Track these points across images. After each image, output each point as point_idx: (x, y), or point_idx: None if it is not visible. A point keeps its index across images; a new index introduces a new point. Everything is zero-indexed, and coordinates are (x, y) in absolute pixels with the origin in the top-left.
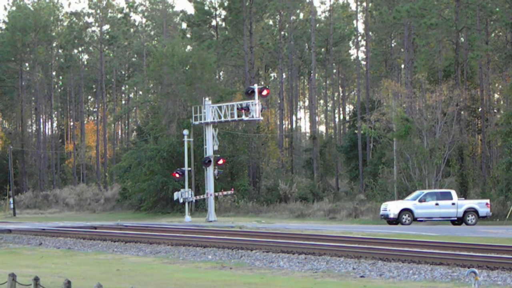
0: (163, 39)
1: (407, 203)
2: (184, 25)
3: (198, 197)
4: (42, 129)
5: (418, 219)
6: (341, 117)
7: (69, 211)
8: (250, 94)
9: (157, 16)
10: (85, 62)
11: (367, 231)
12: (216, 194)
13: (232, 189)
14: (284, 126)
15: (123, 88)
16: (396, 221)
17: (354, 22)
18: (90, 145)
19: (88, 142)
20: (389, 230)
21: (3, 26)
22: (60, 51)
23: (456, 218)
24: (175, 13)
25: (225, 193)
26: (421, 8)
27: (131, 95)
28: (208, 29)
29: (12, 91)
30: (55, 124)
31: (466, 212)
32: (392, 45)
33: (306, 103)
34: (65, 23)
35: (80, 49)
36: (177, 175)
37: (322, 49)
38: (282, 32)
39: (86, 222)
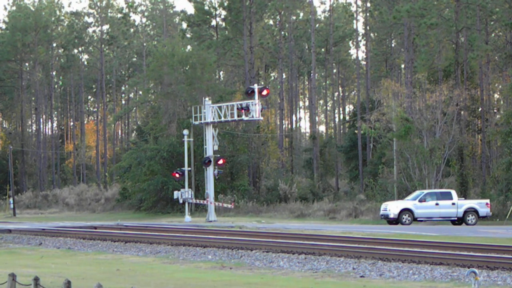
0: (163, 39)
1: (407, 203)
2: (184, 25)
3: (198, 201)
4: (42, 129)
5: (418, 219)
6: (341, 117)
7: (69, 211)
8: (250, 94)
9: (157, 16)
10: (85, 62)
11: (367, 231)
12: (217, 204)
13: (233, 203)
14: (284, 126)
15: (123, 88)
16: (396, 221)
17: (354, 22)
18: (90, 145)
19: (88, 142)
20: (389, 230)
21: (3, 26)
22: (60, 51)
23: (456, 218)
24: (175, 13)
25: (225, 205)
26: (421, 8)
27: (131, 95)
28: (208, 29)
29: (12, 91)
30: (55, 124)
31: (466, 212)
32: (392, 45)
33: (306, 103)
34: (65, 23)
35: (80, 49)
36: (177, 175)
37: (322, 49)
38: (282, 32)
39: (86, 222)
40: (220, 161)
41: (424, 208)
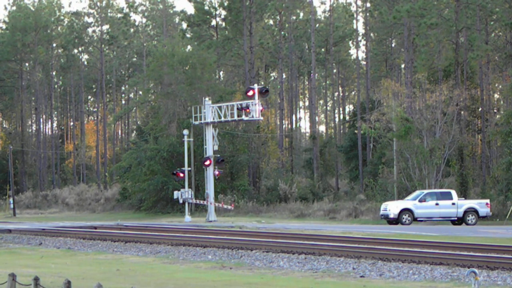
0: (163, 39)
1: (407, 203)
2: (184, 25)
3: (198, 201)
4: (42, 129)
5: (418, 219)
6: (341, 117)
7: (69, 211)
8: (250, 94)
9: (157, 16)
10: (85, 62)
11: (367, 231)
12: (217, 204)
13: (232, 204)
14: (284, 126)
15: (123, 88)
16: (396, 221)
17: (354, 22)
18: (90, 145)
19: (88, 142)
20: (389, 230)
21: (3, 26)
22: (60, 51)
23: (456, 218)
24: (175, 13)
25: (225, 206)
26: (421, 8)
27: (131, 95)
28: (208, 29)
29: (12, 91)
30: (55, 124)
31: (466, 212)
32: (392, 45)
33: (306, 103)
34: (65, 23)
35: (80, 49)
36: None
37: (322, 49)
38: (282, 32)
39: (86, 222)
40: (220, 161)
41: (424, 208)
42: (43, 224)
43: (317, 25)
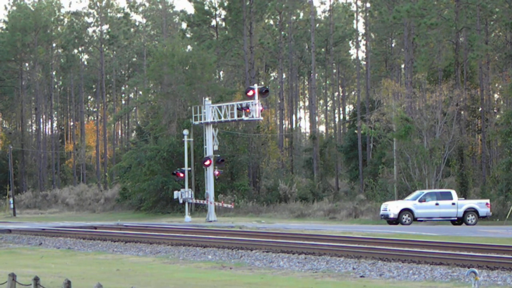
0: (163, 39)
1: (407, 203)
2: (184, 25)
3: (198, 201)
4: (42, 129)
5: (418, 219)
6: (341, 117)
7: (69, 211)
8: (250, 94)
9: (157, 16)
10: (85, 62)
11: (367, 231)
12: (217, 204)
13: (232, 203)
14: (284, 126)
15: (123, 88)
16: (396, 221)
17: (354, 22)
18: (90, 145)
19: (88, 142)
20: (389, 230)
21: (3, 26)
22: (60, 51)
23: (456, 218)
24: (175, 13)
25: (225, 205)
26: (421, 8)
27: (131, 95)
28: (208, 29)
29: (12, 91)
30: (55, 124)
31: (466, 212)
32: (392, 45)
33: (306, 103)
34: (65, 23)
35: (80, 49)
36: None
37: (322, 49)
38: (282, 32)
39: (86, 222)
40: (220, 161)
41: (424, 208)
42: (43, 224)
43: (317, 25)
